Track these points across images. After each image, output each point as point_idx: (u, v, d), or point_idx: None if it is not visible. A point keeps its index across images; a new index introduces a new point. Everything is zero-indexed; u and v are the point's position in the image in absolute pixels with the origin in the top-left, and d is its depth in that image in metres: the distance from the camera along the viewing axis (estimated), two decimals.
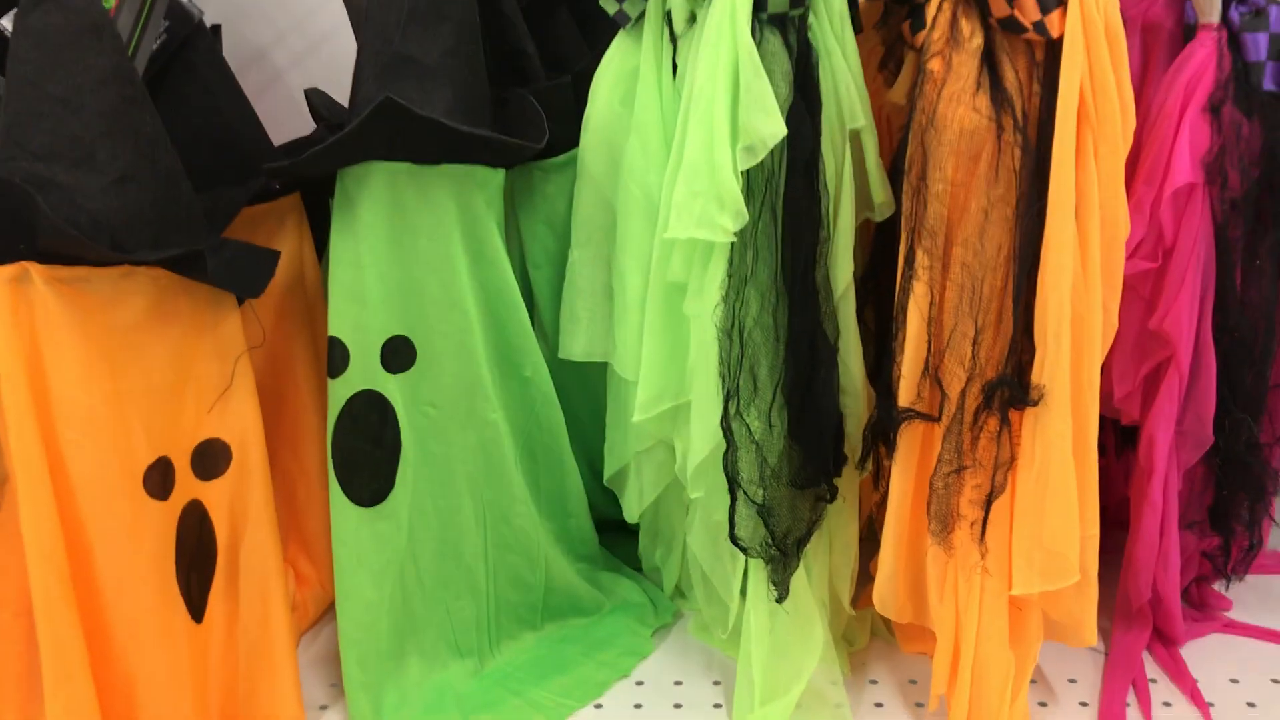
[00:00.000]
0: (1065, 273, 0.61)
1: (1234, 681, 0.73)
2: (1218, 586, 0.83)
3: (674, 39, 0.68)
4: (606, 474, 0.79)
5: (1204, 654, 0.76)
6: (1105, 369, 0.72)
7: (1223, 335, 0.69)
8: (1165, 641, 0.76)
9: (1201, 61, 0.65)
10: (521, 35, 0.76)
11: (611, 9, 0.70)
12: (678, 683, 0.76)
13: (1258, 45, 0.65)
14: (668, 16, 0.67)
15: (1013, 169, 0.60)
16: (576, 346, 0.76)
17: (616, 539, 0.89)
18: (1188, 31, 0.68)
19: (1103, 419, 0.67)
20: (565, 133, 0.74)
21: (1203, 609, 0.81)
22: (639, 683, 0.76)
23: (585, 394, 0.82)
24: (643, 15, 0.69)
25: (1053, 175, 0.60)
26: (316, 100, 0.75)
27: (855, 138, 0.68)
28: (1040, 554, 0.64)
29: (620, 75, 0.70)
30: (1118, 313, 0.65)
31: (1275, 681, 0.73)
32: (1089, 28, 0.59)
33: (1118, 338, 0.70)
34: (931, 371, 0.63)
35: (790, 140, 0.63)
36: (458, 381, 0.72)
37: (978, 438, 0.63)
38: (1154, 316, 0.69)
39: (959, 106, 0.60)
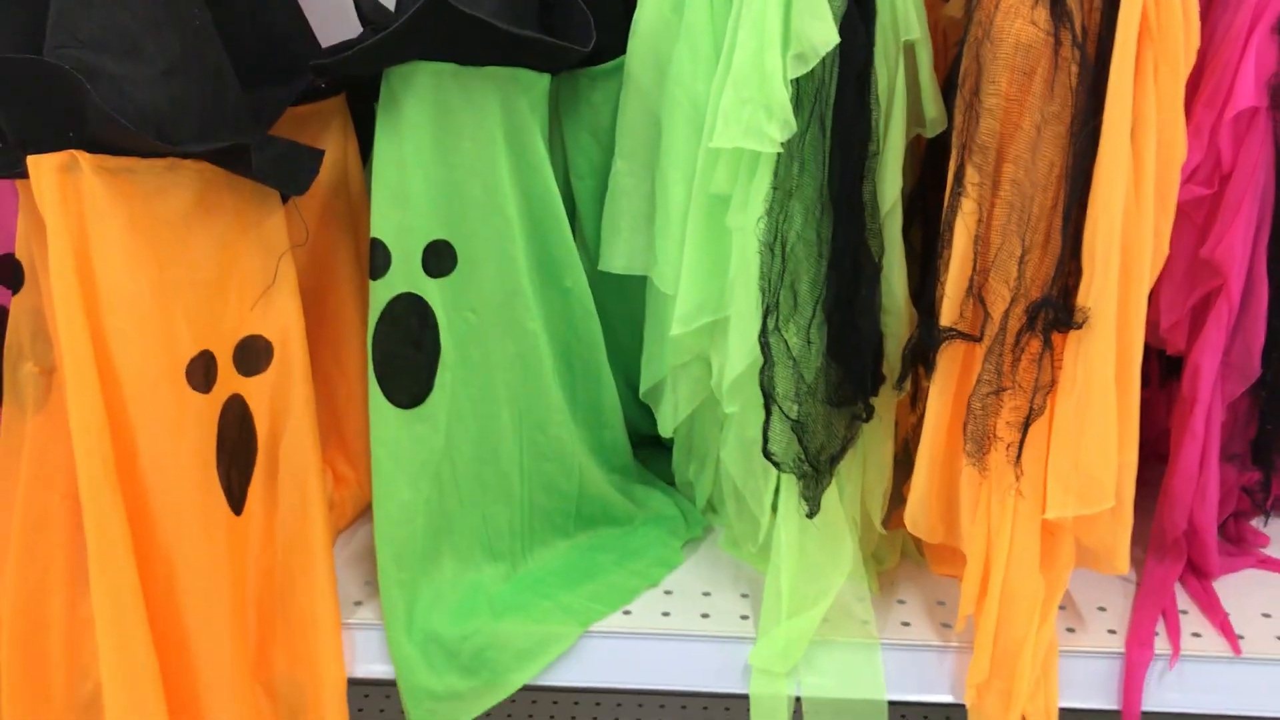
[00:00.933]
0: (1117, 195, 0.59)
1: (1266, 616, 0.73)
2: (1255, 523, 0.83)
3: None
4: (642, 388, 0.80)
5: (1238, 588, 0.76)
6: (1153, 297, 0.71)
7: (1278, 266, 0.67)
8: (1199, 574, 0.76)
9: None
10: None
11: None
12: (706, 594, 0.76)
13: None
14: None
15: (1069, 86, 0.59)
16: (617, 259, 0.76)
17: (652, 454, 0.89)
18: None
19: (1147, 348, 0.65)
20: (613, 40, 0.73)
21: (1239, 544, 0.80)
22: (668, 592, 0.77)
23: (624, 308, 0.82)
24: None
25: (1109, 94, 0.58)
26: (365, 5, 0.75)
27: (909, 50, 0.66)
28: (1076, 478, 0.63)
29: None
30: (1169, 239, 0.64)
31: None
32: None
33: (1167, 265, 0.69)
34: (975, 290, 0.62)
35: (843, 49, 0.62)
36: (498, 289, 0.72)
37: (1019, 359, 0.62)
38: (1206, 244, 0.67)
39: (1016, 19, 0.59)
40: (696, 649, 0.73)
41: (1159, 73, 0.59)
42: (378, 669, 0.74)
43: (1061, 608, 0.74)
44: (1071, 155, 0.59)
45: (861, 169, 0.65)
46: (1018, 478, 0.64)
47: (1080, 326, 0.61)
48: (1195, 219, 0.68)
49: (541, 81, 0.71)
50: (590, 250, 0.79)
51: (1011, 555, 0.66)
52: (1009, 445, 0.64)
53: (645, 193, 0.74)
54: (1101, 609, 0.74)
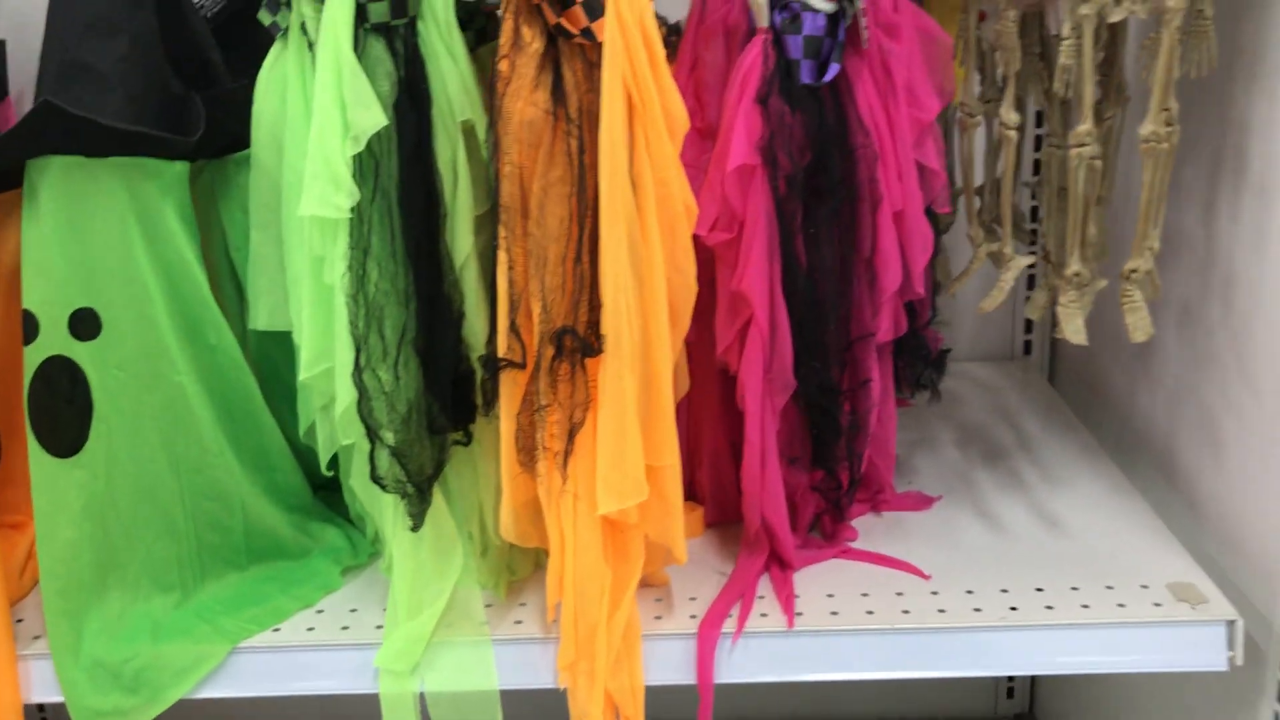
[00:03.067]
0: (620, 242, 0.72)
1: (830, 596, 0.85)
2: (859, 522, 0.95)
3: (311, 46, 0.78)
4: (300, 430, 0.90)
5: (815, 576, 0.87)
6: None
7: (792, 295, 0.80)
8: (781, 565, 0.87)
9: (753, 60, 0.77)
10: (208, 46, 0.87)
11: (268, 21, 0.80)
12: (353, 610, 0.86)
13: (796, 46, 0.76)
14: (303, 26, 0.78)
15: (567, 154, 0.72)
16: (260, 317, 0.86)
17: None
18: (752, 34, 0.79)
19: None
20: (249, 129, 0.85)
21: (833, 539, 0.92)
22: (319, 611, 0.86)
23: (291, 362, 0.92)
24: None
25: (603, 160, 0.71)
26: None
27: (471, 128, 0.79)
28: (615, 478, 0.75)
29: (276, 78, 0.81)
30: (694, 276, 0.77)
31: (864, 595, 0.84)
32: (626, 33, 0.70)
33: (718, 300, 0.82)
34: (514, 326, 0.74)
35: (397, 129, 0.75)
36: (141, 347, 0.82)
37: (556, 381, 0.74)
38: (734, 279, 0.80)
39: (519, 101, 0.71)
40: (335, 657, 0.82)
41: (649, 141, 0.72)
42: (53, 696, 0.82)
43: (658, 600, 0.85)
44: (576, 210, 0.72)
45: (433, 229, 0.77)
46: (564, 481, 0.75)
47: (600, 351, 0.73)
48: (729, 259, 0.81)
49: (172, 168, 0.82)
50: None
51: (577, 550, 0.77)
52: (556, 454, 0.75)
53: (278, 258, 0.85)
54: (693, 598, 0.85)
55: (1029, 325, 1.29)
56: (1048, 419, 1.14)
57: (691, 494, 0.95)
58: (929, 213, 0.85)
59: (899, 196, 0.81)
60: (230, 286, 0.91)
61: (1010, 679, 1.44)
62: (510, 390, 0.76)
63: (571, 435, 0.75)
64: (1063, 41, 0.75)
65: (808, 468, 0.86)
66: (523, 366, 0.75)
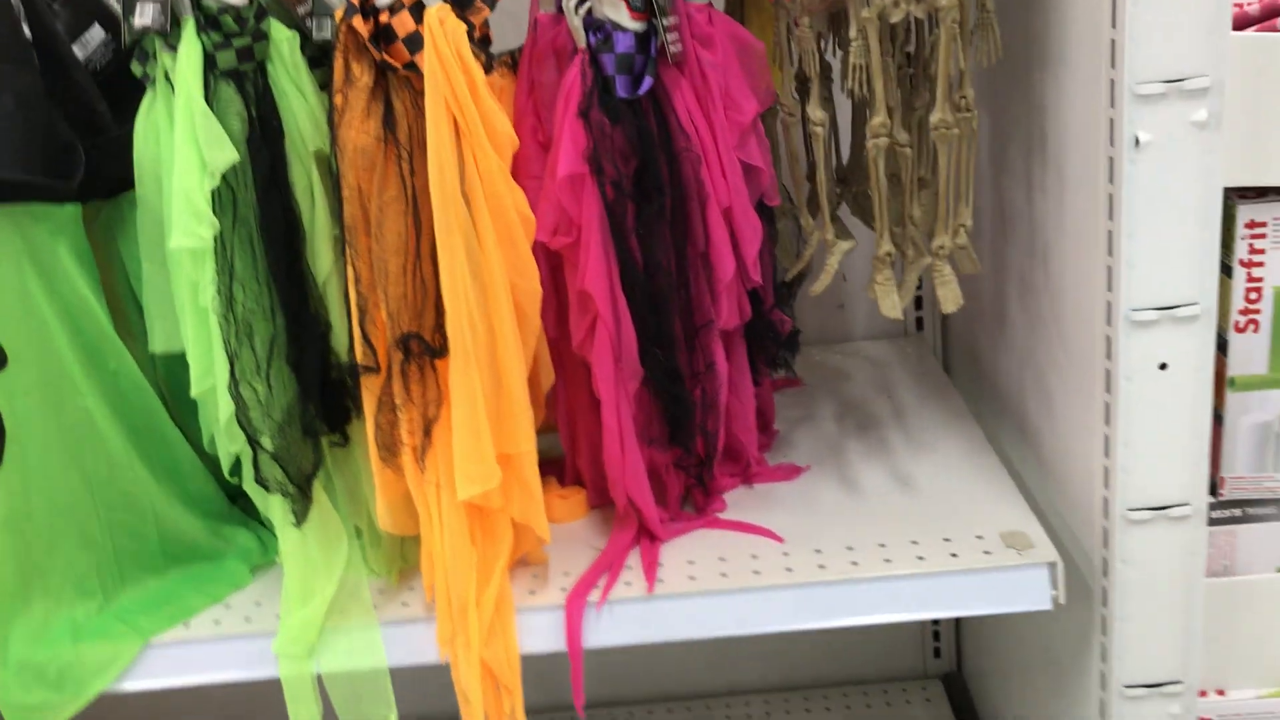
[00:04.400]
0: (456, 252, 0.80)
1: (690, 562, 0.92)
2: (733, 494, 1.02)
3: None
4: (205, 441, 0.98)
5: (681, 546, 0.95)
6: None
7: (632, 289, 0.88)
8: (650, 538, 0.95)
9: (573, 78, 0.84)
10: (94, 98, 0.94)
11: (139, 73, 0.88)
12: (257, 603, 0.94)
13: (610, 63, 0.84)
14: (166, 75, 0.85)
15: (400, 176, 0.79)
16: (157, 340, 0.94)
17: None
18: (575, 54, 0.86)
19: None
20: None
21: (703, 512, 0.99)
22: (227, 606, 0.94)
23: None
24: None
25: (432, 177, 0.79)
26: None
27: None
28: (469, 465, 0.82)
29: (150, 124, 0.88)
30: (537, 279, 0.85)
31: (721, 559, 0.92)
32: (444, 63, 0.78)
33: (570, 299, 0.89)
34: (366, 334, 0.82)
35: (251, 162, 0.82)
36: (44, 375, 0.90)
37: (407, 382, 0.82)
38: (577, 279, 0.88)
39: (352, 130, 0.79)
40: (238, 646, 0.90)
41: (477, 159, 0.80)
42: None
43: (535, 576, 0.92)
44: (411, 226, 0.80)
45: (294, 250, 0.85)
46: (421, 472, 0.83)
47: (442, 353, 0.81)
48: (573, 261, 0.89)
49: (63, 210, 0.90)
50: None
51: (444, 533, 0.85)
52: (414, 448, 0.83)
53: (167, 286, 0.92)
54: (566, 573, 0.92)
55: (919, 303, 1.36)
56: (927, 390, 1.21)
57: (577, 480, 1.03)
58: (761, 206, 0.92)
59: (725, 193, 0.88)
60: (135, 314, 0.99)
61: (936, 639, 1.51)
62: (369, 393, 0.84)
63: (427, 431, 0.83)
64: (851, 43, 0.82)
65: (666, 446, 0.93)
66: (377, 371, 0.82)
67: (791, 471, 1.04)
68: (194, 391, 0.89)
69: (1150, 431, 0.80)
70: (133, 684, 0.90)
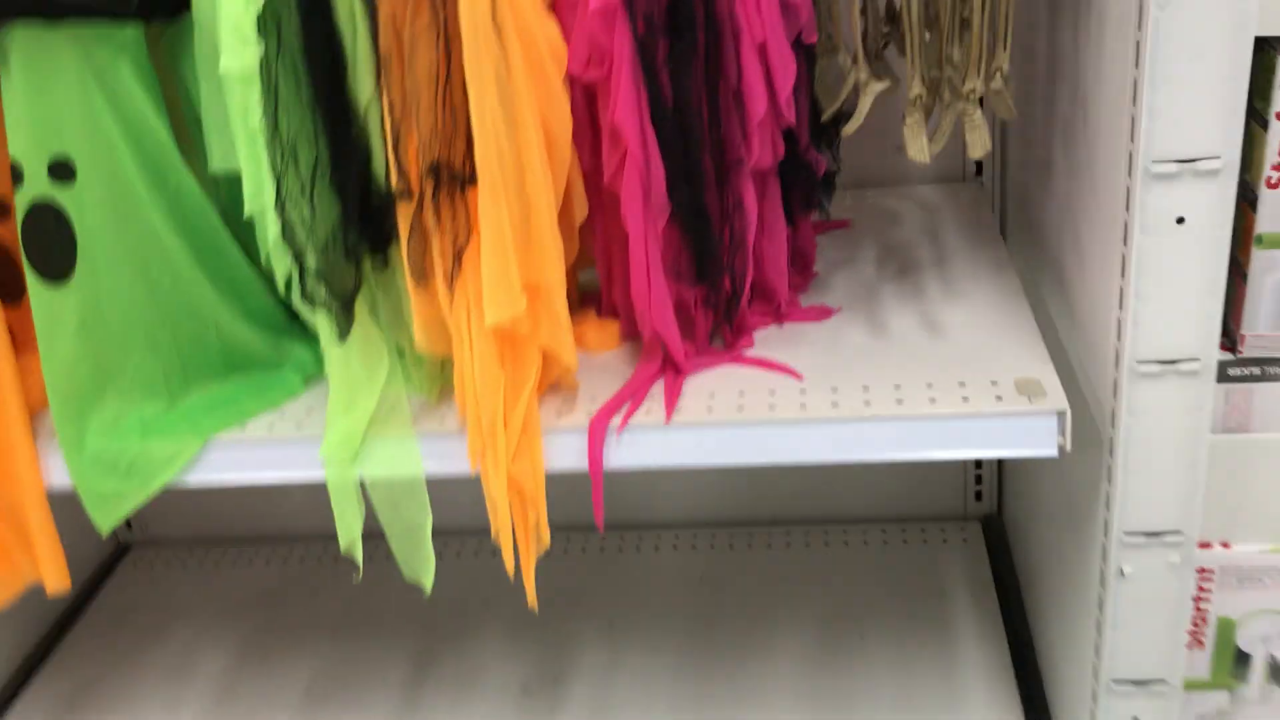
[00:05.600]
0: (486, 81, 0.82)
1: (711, 395, 0.96)
2: (763, 333, 1.05)
3: None
4: (262, 259, 1.03)
5: (705, 380, 0.98)
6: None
7: (661, 124, 0.89)
8: (674, 370, 0.98)
9: None
10: None
11: None
12: (309, 410, 1.01)
13: None
14: None
15: (431, 4, 0.81)
16: (216, 160, 0.99)
17: None
18: None
19: None
20: None
21: (731, 348, 1.03)
22: (281, 412, 1.01)
23: None
24: None
25: (462, 6, 0.80)
26: None
27: None
28: (497, 292, 0.86)
29: None
30: (569, 112, 0.87)
31: (740, 393, 0.95)
32: None
33: (602, 135, 0.91)
34: (400, 164, 0.85)
35: None
36: (112, 191, 0.96)
37: (439, 209, 0.85)
38: (607, 114, 0.89)
39: None
40: (290, 450, 0.98)
41: None
42: (65, 482, 1.00)
43: (566, 400, 0.97)
44: (442, 54, 0.82)
45: (337, 76, 0.88)
46: (452, 297, 0.87)
47: (472, 182, 0.84)
48: (606, 95, 0.90)
49: (124, 31, 0.94)
50: None
51: (474, 355, 0.90)
52: (445, 273, 0.87)
53: (224, 106, 0.96)
54: (594, 399, 0.97)
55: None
56: (974, 237, 1.20)
57: (613, 312, 1.07)
58: (800, 44, 0.92)
59: (760, 28, 0.88)
60: (198, 134, 1.03)
61: (979, 483, 1.54)
62: (403, 219, 0.88)
63: (458, 257, 0.87)
64: None
65: (693, 283, 0.96)
66: (410, 197, 0.86)
67: (823, 313, 1.07)
68: (247, 210, 0.94)
69: (1163, 285, 0.80)
70: (194, 477, 0.99)
